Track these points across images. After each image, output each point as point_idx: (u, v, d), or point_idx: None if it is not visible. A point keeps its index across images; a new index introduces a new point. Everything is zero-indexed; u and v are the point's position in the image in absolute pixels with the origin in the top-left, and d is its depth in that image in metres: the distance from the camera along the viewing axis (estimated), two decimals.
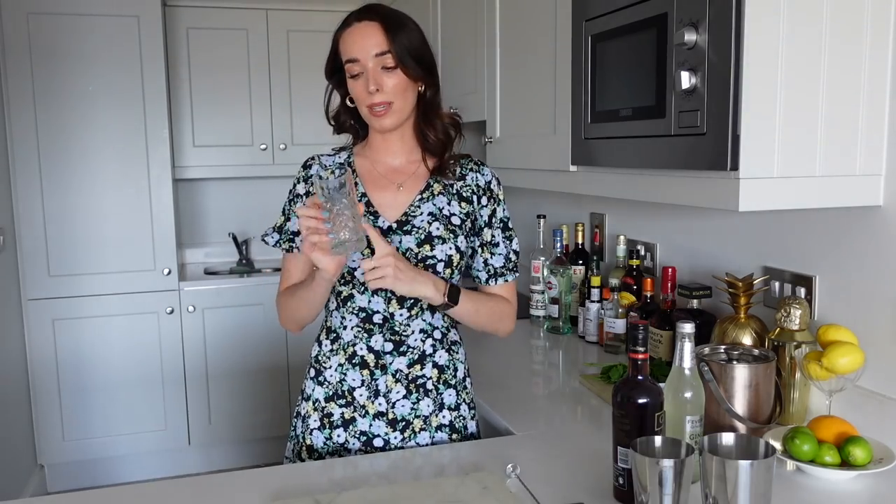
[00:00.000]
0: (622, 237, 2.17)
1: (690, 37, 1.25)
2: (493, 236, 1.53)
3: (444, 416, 1.51)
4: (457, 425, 1.52)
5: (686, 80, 1.26)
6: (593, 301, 2.18)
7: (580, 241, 2.39)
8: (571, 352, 2.18)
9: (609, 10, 1.52)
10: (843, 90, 1.27)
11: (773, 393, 1.39)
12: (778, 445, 1.27)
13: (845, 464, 1.23)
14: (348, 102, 1.49)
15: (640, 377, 1.15)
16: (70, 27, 3.22)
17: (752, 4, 1.17)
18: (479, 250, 1.53)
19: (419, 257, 1.44)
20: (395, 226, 1.45)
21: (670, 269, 1.87)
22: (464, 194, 1.51)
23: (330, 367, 1.50)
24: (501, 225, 1.54)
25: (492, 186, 1.54)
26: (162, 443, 3.52)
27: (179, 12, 3.58)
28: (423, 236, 1.45)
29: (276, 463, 1.56)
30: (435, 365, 1.50)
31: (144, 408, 3.47)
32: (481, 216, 1.52)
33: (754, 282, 1.58)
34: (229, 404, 3.59)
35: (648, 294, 1.95)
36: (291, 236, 1.52)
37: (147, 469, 3.51)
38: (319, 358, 1.52)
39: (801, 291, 1.57)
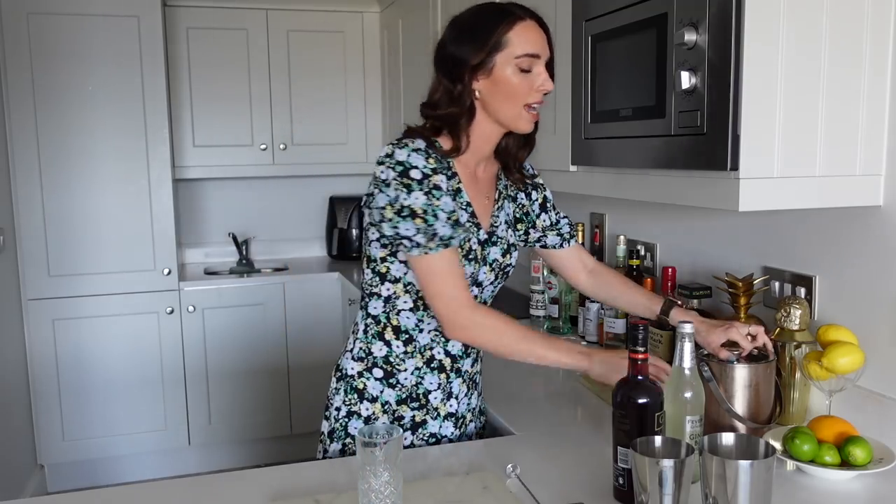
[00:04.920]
0: (622, 237, 2.17)
1: (690, 37, 1.25)
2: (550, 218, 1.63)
3: (479, 403, 1.59)
4: (482, 407, 1.62)
5: (686, 80, 1.26)
6: (593, 301, 2.17)
7: (580, 242, 2.39)
8: None
9: (609, 10, 1.52)
10: (843, 90, 1.27)
11: (773, 393, 1.39)
12: (778, 445, 1.27)
13: (845, 464, 1.23)
14: (477, 95, 1.35)
15: (640, 377, 1.15)
16: (70, 27, 3.22)
17: (752, 4, 1.17)
18: (544, 233, 1.62)
19: (501, 266, 1.47)
20: (486, 237, 1.44)
21: (670, 269, 1.87)
22: (511, 194, 1.55)
23: (405, 370, 1.45)
24: (552, 204, 1.65)
25: (536, 179, 1.60)
26: (162, 443, 3.52)
27: (179, 12, 3.58)
28: (505, 246, 1.48)
29: (276, 463, 1.55)
30: (480, 359, 1.57)
31: (144, 408, 3.46)
32: (533, 211, 1.60)
33: (754, 282, 1.58)
34: (229, 404, 3.58)
35: None
36: (468, 224, 1.39)
37: (147, 469, 3.51)
38: (391, 360, 1.45)
39: (801, 291, 1.57)
